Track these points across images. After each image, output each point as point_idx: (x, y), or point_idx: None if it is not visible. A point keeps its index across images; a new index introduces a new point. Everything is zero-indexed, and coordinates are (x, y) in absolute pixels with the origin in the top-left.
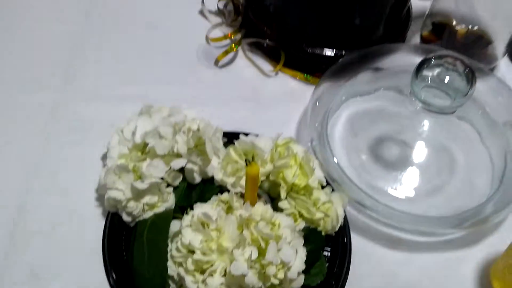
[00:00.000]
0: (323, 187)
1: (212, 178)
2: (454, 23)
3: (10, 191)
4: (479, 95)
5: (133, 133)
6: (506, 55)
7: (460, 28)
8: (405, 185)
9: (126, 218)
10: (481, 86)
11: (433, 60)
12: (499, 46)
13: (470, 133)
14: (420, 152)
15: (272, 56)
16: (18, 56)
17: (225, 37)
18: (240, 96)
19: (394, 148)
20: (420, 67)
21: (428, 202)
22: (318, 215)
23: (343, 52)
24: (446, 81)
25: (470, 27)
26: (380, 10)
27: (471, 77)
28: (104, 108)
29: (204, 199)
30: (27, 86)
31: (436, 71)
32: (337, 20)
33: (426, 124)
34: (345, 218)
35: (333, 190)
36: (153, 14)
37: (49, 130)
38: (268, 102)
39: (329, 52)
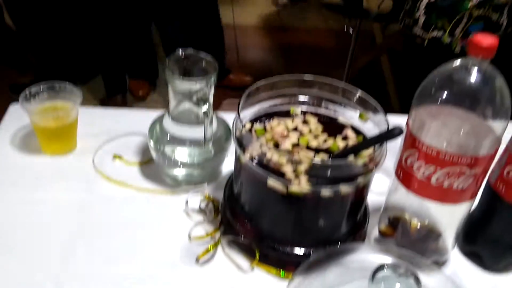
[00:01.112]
0: None
1: None
2: (407, 217)
3: None
4: None
5: None
6: (456, 246)
7: (413, 222)
8: None
9: None
10: (432, 282)
11: (385, 269)
12: (448, 239)
13: None
14: None
15: (249, 252)
16: (12, 262)
17: (206, 235)
18: None
19: None
20: (375, 273)
21: None
22: None
23: (311, 250)
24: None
25: (421, 222)
26: (340, 215)
27: (417, 283)
28: None
29: None
30: None
31: (388, 277)
32: (303, 226)
33: None
34: None
35: None
36: (140, 213)
37: None
38: None
39: (298, 251)
